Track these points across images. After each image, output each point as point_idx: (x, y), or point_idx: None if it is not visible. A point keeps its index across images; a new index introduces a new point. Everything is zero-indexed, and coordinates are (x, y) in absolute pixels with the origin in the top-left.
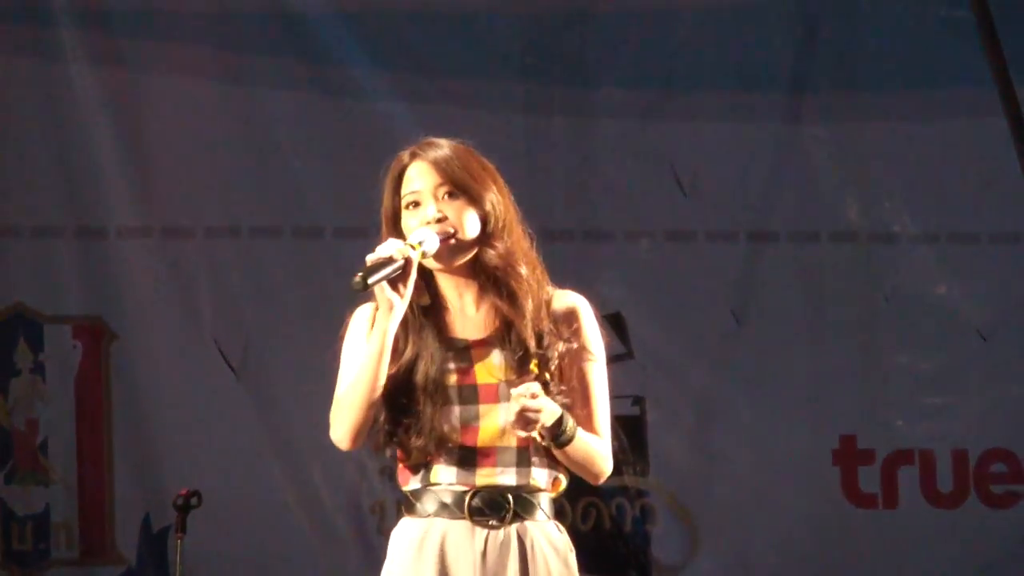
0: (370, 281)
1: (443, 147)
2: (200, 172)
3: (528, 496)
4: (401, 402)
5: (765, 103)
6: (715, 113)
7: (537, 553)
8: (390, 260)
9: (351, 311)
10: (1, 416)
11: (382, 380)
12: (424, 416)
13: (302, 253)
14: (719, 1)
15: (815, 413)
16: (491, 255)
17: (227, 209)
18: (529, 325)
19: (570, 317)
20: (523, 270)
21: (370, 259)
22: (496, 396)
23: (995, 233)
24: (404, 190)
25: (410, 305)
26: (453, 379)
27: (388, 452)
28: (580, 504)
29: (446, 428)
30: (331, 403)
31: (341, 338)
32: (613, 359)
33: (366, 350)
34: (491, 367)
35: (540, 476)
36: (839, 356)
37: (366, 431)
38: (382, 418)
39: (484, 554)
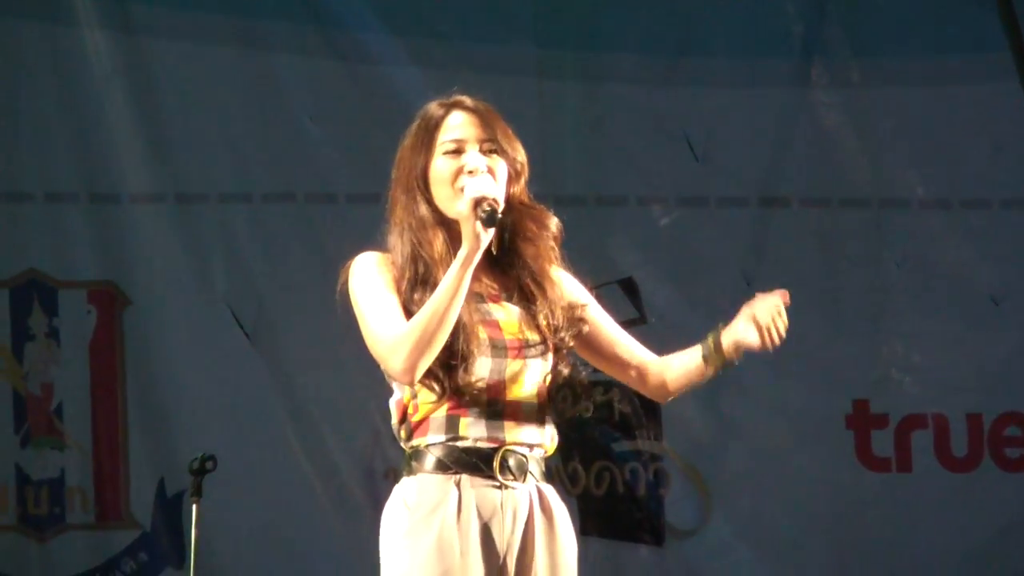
0: (496, 216)
1: (475, 101)
2: (213, 138)
3: (539, 456)
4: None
5: (777, 68)
6: (728, 79)
7: (556, 515)
8: (495, 198)
9: (345, 268)
10: (16, 381)
11: (457, 313)
12: (471, 355)
13: (315, 218)
14: None
15: (828, 377)
16: (522, 220)
17: (240, 175)
18: (554, 288)
19: (570, 282)
20: (549, 237)
21: (477, 194)
22: (522, 352)
23: (1007, 199)
24: (443, 138)
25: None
26: (483, 331)
27: (408, 397)
28: (594, 468)
29: (480, 377)
30: (375, 343)
31: (342, 288)
32: (626, 324)
33: (447, 283)
34: (514, 323)
35: (549, 435)
36: (851, 320)
37: (427, 366)
38: None
39: (513, 514)
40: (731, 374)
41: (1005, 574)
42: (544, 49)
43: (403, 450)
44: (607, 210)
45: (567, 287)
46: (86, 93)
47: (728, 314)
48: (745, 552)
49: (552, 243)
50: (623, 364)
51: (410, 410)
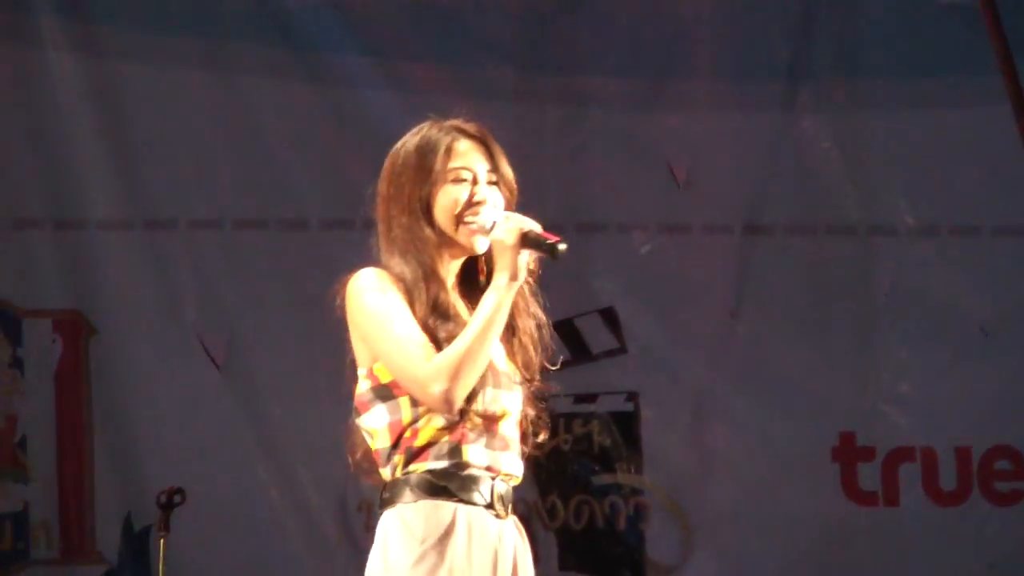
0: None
1: (479, 128)
2: (183, 163)
3: (513, 487)
4: None
5: (762, 92)
6: (710, 102)
7: (526, 548)
8: (541, 236)
9: (337, 287)
10: None
11: (494, 345)
12: (484, 384)
13: (287, 246)
14: None
15: (814, 409)
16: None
17: (211, 200)
18: (531, 325)
19: None
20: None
21: (525, 226)
22: (508, 382)
23: (998, 226)
24: (452, 164)
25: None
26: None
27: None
28: (572, 502)
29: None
30: (409, 366)
31: (342, 303)
32: (605, 354)
33: (488, 313)
34: (502, 354)
35: (522, 467)
36: (838, 351)
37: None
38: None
39: (501, 545)
40: (713, 406)
41: None
42: (522, 72)
43: (388, 477)
44: (587, 237)
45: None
46: (52, 116)
47: (711, 343)
48: None
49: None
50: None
51: (408, 434)
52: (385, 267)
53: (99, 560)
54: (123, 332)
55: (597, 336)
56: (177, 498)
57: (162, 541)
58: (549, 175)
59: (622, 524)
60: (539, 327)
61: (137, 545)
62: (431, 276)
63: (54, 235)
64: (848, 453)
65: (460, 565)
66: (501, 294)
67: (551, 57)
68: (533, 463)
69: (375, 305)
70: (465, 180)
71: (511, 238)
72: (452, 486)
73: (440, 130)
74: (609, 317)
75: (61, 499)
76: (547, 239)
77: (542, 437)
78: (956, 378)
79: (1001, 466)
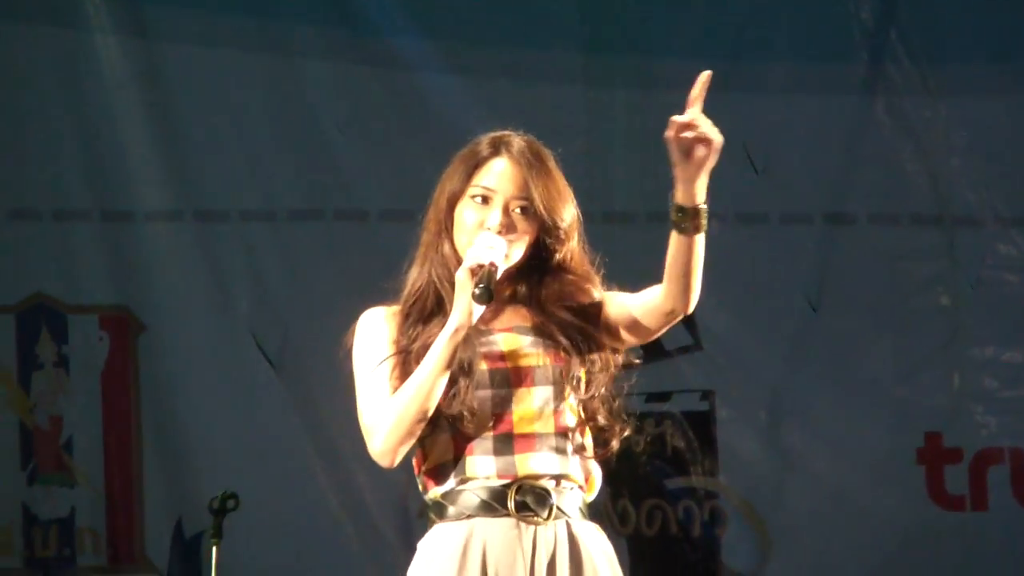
0: (492, 288)
1: (530, 150)
2: (234, 151)
3: (567, 490)
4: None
5: (842, 74)
6: (788, 85)
7: (589, 556)
8: (492, 269)
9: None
10: (23, 413)
11: (440, 391)
12: (460, 388)
13: (345, 238)
14: None
15: (897, 409)
16: (559, 285)
17: (264, 190)
18: (573, 310)
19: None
20: (597, 294)
21: (473, 264)
22: (532, 379)
23: None
24: (477, 180)
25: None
26: (484, 364)
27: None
28: (644, 507)
29: (480, 410)
30: (360, 420)
31: (348, 344)
32: (679, 351)
33: (431, 358)
34: (524, 351)
35: (575, 466)
36: (922, 347)
37: (411, 445)
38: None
39: (534, 553)
40: (792, 405)
41: None
42: (591, 55)
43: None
44: (659, 227)
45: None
46: (98, 102)
47: (790, 339)
48: None
49: (583, 297)
50: (649, 318)
51: (422, 461)
52: (406, 273)
53: (148, 568)
54: (173, 329)
55: (671, 332)
56: (230, 503)
57: (214, 548)
58: (619, 161)
59: (697, 530)
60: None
61: (189, 552)
62: (435, 288)
63: (100, 227)
64: (934, 455)
65: None
66: (444, 340)
67: (621, 38)
68: (603, 469)
69: (355, 356)
70: (487, 201)
71: (463, 275)
72: (460, 505)
73: (485, 143)
74: None
75: (109, 504)
76: (483, 282)
77: (614, 444)
78: None
79: None
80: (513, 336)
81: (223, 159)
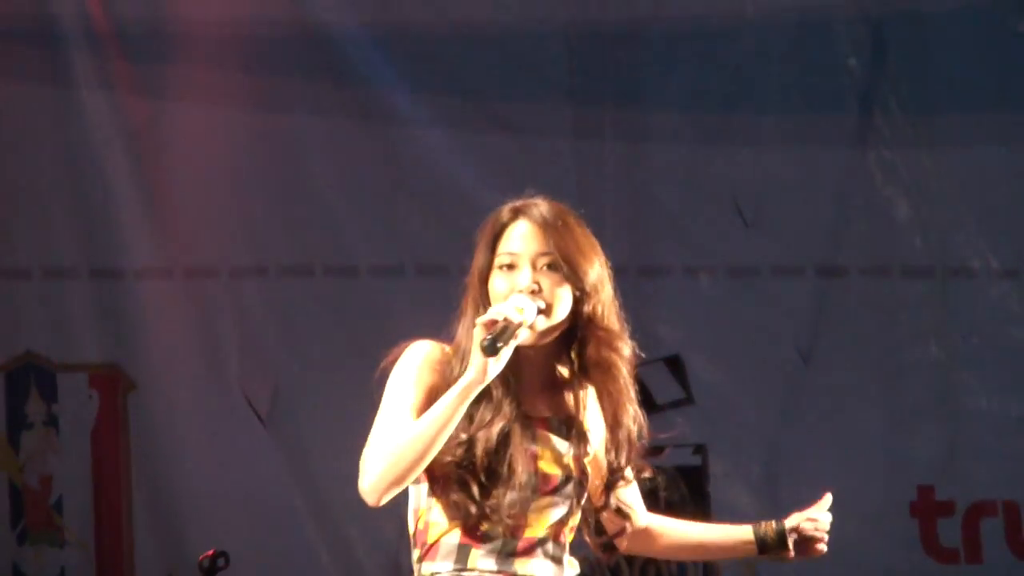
0: (499, 345)
1: (549, 209)
2: (225, 207)
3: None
4: (468, 471)
5: (833, 126)
6: (779, 137)
7: None
8: (508, 325)
9: (390, 352)
10: (13, 473)
11: (440, 445)
12: (499, 498)
13: (335, 293)
14: (782, 18)
15: (890, 461)
16: (593, 344)
17: (254, 247)
18: (628, 416)
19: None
20: (623, 367)
21: (487, 319)
22: (555, 488)
23: None
24: (501, 249)
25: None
26: (520, 462)
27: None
28: (638, 561)
29: (503, 512)
30: (364, 445)
31: (386, 368)
32: (671, 405)
33: (440, 411)
34: (556, 455)
35: (569, 569)
36: (915, 399)
37: (399, 491)
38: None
39: None
40: (785, 458)
41: None
42: (580, 107)
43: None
44: (650, 281)
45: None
46: (87, 159)
47: (782, 392)
48: None
49: (625, 377)
50: (618, 520)
51: (420, 525)
52: (453, 330)
53: None
54: (163, 386)
55: (662, 386)
56: (221, 561)
57: None
58: (610, 215)
59: None
60: (634, 420)
61: None
62: (481, 375)
63: (90, 285)
64: (927, 508)
65: None
66: (453, 395)
67: (611, 90)
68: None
69: (390, 383)
70: (513, 267)
71: (477, 332)
72: None
73: (505, 211)
74: (674, 365)
75: (99, 563)
76: (492, 334)
77: (622, 543)
78: None
79: None
80: (549, 437)
81: (213, 216)
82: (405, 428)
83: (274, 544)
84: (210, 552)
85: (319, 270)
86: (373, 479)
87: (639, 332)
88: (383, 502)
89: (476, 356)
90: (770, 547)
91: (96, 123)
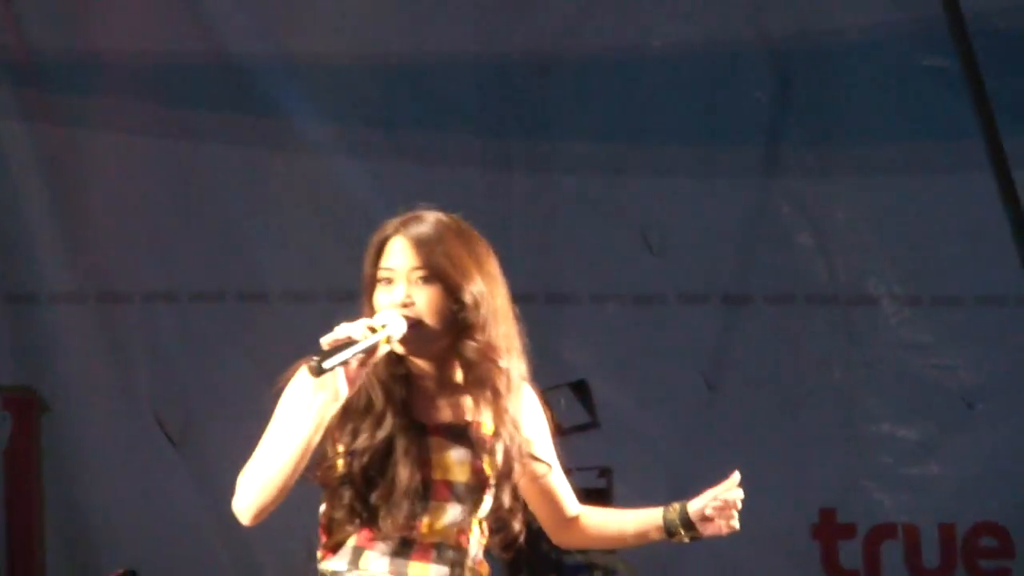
0: (326, 366)
1: (428, 224)
2: (137, 234)
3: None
4: (348, 482)
5: (738, 157)
6: (685, 168)
7: None
8: (349, 342)
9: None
10: None
11: (303, 465)
12: (384, 507)
13: (246, 318)
14: (688, 51)
15: (793, 485)
16: (470, 348)
17: (166, 273)
18: (508, 425)
19: (534, 414)
20: (504, 365)
21: (328, 340)
22: (448, 494)
23: (981, 295)
24: (382, 263)
25: (386, 376)
26: (403, 471)
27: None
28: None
29: (396, 515)
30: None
31: (279, 390)
32: (576, 429)
33: (296, 431)
34: (450, 462)
35: (474, 573)
36: (818, 425)
37: (271, 511)
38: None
39: None
40: (689, 482)
41: None
42: (489, 137)
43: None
44: (558, 308)
45: (525, 429)
46: (2, 187)
47: (687, 417)
48: None
49: (502, 387)
50: (550, 512)
51: (325, 523)
52: None
53: None
54: (77, 409)
55: (568, 410)
56: None
57: None
58: (518, 243)
59: None
60: (515, 426)
61: None
62: (331, 397)
63: (5, 309)
64: (829, 530)
65: None
66: (307, 417)
67: (520, 122)
68: (503, 544)
69: (278, 406)
70: (391, 281)
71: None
72: None
73: (389, 226)
74: (580, 390)
75: None
76: (318, 357)
77: (516, 526)
78: (940, 452)
79: (986, 543)
80: (443, 441)
81: (126, 242)
82: (272, 454)
83: (184, 565)
84: (119, 572)
85: (231, 296)
86: (245, 503)
87: (547, 358)
88: (256, 523)
89: (326, 378)
90: (677, 529)
91: (12, 152)
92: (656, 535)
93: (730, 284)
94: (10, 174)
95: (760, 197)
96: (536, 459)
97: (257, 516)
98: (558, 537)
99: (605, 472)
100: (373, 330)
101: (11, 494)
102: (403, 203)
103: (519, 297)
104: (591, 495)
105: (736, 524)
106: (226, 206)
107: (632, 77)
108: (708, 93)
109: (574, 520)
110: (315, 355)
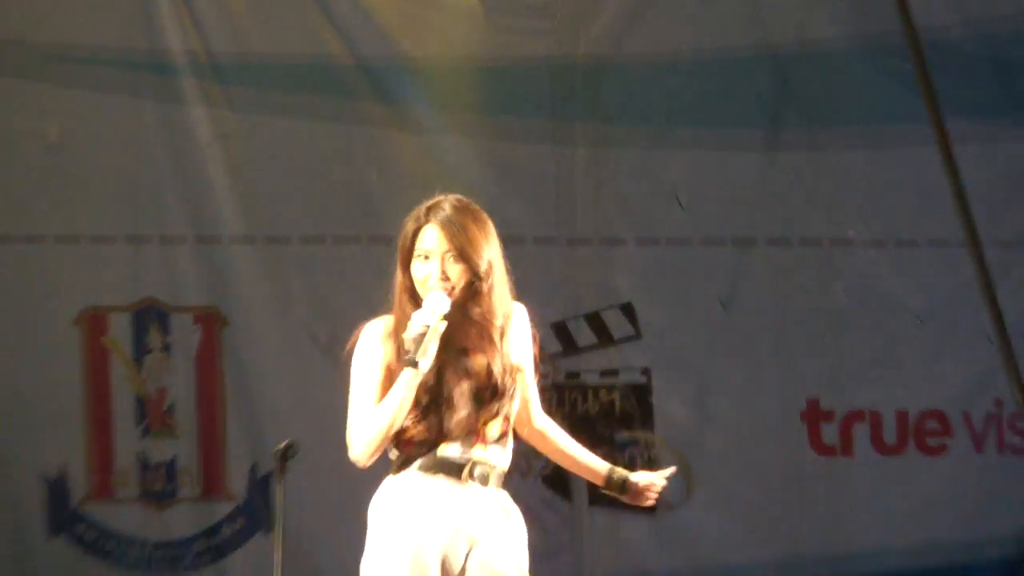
0: (419, 359)
1: (451, 210)
2: (296, 191)
3: (500, 472)
4: (416, 407)
5: (747, 136)
6: (707, 144)
7: (511, 512)
8: (423, 334)
9: (354, 334)
10: (137, 386)
11: (404, 415)
12: (454, 406)
13: (376, 256)
14: (709, 55)
15: (787, 382)
16: (476, 313)
17: (317, 220)
18: (499, 358)
19: (521, 331)
20: (498, 321)
21: (410, 337)
22: (493, 396)
23: (931, 239)
24: (418, 245)
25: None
26: (465, 383)
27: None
28: (599, 454)
29: (461, 417)
30: (349, 422)
31: (350, 351)
32: (625, 339)
33: (396, 394)
34: (484, 371)
35: (508, 458)
36: (807, 336)
37: (381, 452)
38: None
39: (476, 508)
40: (710, 379)
41: (927, 537)
42: (558, 122)
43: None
44: (609, 248)
45: (512, 347)
46: (193, 157)
47: (708, 331)
48: (718, 520)
49: (489, 331)
50: (520, 410)
51: (404, 436)
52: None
53: (231, 498)
54: (249, 324)
55: (618, 325)
56: (291, 451)
57: (280, 484)
58: (580, 201)
59: (638, 470)
60: (495, 359)
61: (261, 487)
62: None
63: (196, 247)
64: (814, 415)
65: (425, 523)
66: (403, 384)
67: (581, 109)
68: (568, 426)
69: (352, 368)
70: (428, 257)
71: (407, 343)
72: (429, 467)
73: (422, 211)
74: (628, 310)
75: (201, 451)
76: (409, 351)
77: (537, 417)
78: (897, 356)
79: (931, 426)
80: (476, 358)
81: (286, 197)
82: (375, 407)
83: (330, 437)
84: (283, 444)
85: (364, 238)
86: (361, 450)
87: (601, 286)
88: (369, 463)
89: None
90: (612, 487)
91: (199, 131)
92: (595, 480)
93: (740, 230)
94: (199, 148)
95: (763, 166)
96: (518, 369)
97: (371, 460)
98: (521, 432)
99: (646, 371)
100: (431, 314)
101: (201, 387)
102: (493, 173)
103: (581, 240)
104: (636, 388)
105: (652, 502)
106: (363, 172)
107: (666, 75)
108: (724, 87)
109: (540, 431)
110: (405, 351)
